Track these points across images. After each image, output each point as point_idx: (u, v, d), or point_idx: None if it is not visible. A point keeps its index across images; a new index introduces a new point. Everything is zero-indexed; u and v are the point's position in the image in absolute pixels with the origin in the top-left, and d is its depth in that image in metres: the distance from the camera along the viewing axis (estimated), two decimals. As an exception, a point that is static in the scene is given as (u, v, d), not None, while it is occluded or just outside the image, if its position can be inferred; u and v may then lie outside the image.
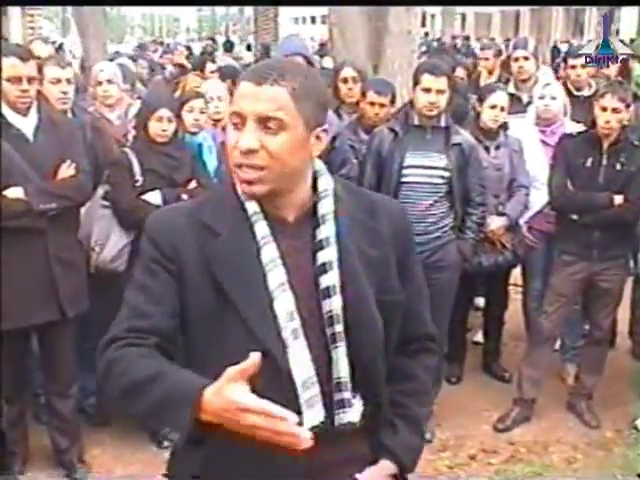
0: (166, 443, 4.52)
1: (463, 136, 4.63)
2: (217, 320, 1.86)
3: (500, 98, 5.08)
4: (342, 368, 1.87)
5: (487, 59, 7.76)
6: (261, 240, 1.86)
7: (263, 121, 1.78)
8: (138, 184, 4.37)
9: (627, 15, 28.91)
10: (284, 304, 1.84)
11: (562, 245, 4.82)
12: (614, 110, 4.49)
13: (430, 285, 4.43)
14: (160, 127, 4.39)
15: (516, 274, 5.77)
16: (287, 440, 1.54)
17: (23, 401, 4.38)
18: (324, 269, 1.87)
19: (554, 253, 4.95)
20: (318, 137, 1.86)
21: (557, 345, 5.44)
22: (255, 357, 1.56)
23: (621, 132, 4.56)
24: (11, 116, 3.94)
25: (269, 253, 1.85)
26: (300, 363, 1.84)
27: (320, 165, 1.96)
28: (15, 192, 3.88)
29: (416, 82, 4.53)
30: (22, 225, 3.92)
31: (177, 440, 1.67)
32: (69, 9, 33.78)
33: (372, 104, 5.20)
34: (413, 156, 4.50)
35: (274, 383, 1.78)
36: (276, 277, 1.84)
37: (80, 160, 4.12)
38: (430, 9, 35.87)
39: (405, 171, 4.50)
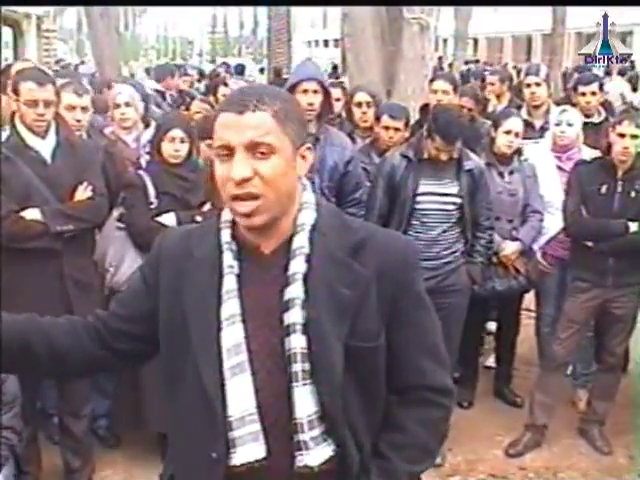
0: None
1: (474, 161, 4.65)
2: (176, 342, 1.89)
3: (515, 124, 5.11)
4: (300, 409, 1.82)
5: (492, 84, 7.78)
6: (224, 269, 1.87)
7: (253, 148, 1.78)
8: (153, 206, 4.40)
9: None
10: (230, 337, 1.83)
11: (576, 272, 4.82)
12: (633, 136, 4.51)
13: (441, 309, 4.48)
14: (173, 148, 4.42)
15: (528, 299, 5.77)
16: None
17: (36, 421, 4.41)
18: (287, 306, 1.83)
19: (568, 279, 4.96)
20: (303, 156, 1.87)
21: (568, 371, 5.42)
22: None
23: (636, 159, 4.58)
24: (29, 138, 4.00)
25: (228, 284, 1.86)
26: (239, 398, 1.82)
27: (307, 197, 1.93)
28: (32, 214, 3.93)
29: (429, 136, 4.53)
30: (39, 246, 3.97)
31: None
32: (84, 31, 34.09)
33: (386, 128, 5.22)
34: (426, 183, 4.52)
35: (206, 415, 1.82)
36: (228, 309, 1.84)
37: (97, 182, 4.17)
38: (442, 33, 36.02)
39: (419, 198, 4.51)
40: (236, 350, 1.82)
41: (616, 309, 4.72)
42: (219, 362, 1.82)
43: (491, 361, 5.96)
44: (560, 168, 5.25)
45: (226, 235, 1.90)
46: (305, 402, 1.82)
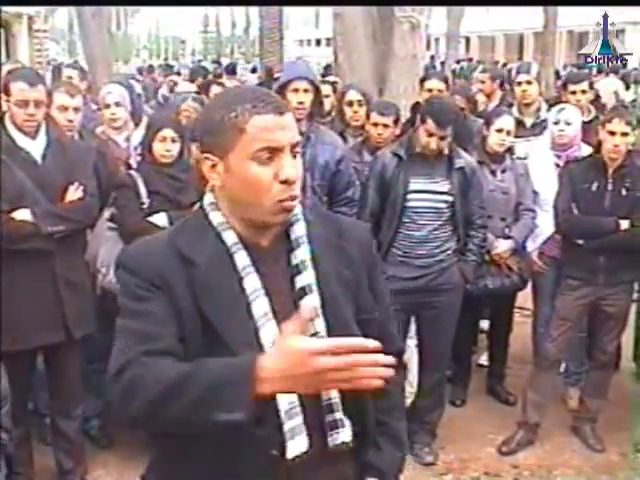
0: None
1: (465, 159, 4.65)
2: (203, 350, 1.80)
3: (507, 122, 5.11)
4: (331, 390, 1.84)
5: (483, 82, 7.78)
6: (242, 270, 1.86)
7: (293, 148, 1.82)
8: (144, 206, 4.39)
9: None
10: (269, 333, 1.83)
11: (568, 269, 4.83)
12: (623, 134, 4.52)
13: (434, 308, 4.52)
14: (164, 147, 4.41)
15: (521, 297, 5.77)
16: (368, 374, 1.54)
17: (28, 422, 4.40)
18: (304, 293, 1.87)
19: (560, 277, 4.96)
20: None
21: (561, 368, 5.43)
22: (309, 306, 1.67)
23: (626, 157, 4.59)
24: (20, 139, 3.99)
25: (252, 283, 1.85)
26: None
27: None
28: (23, 214, 3.91)
29: (422, 120, 4.53)
30: (30, 247, 3.95)
31: (230, 421, 1.59)
32: (76, 30, 34.02)
33: (375, 125, 5.23)
34: (417, 181, 4.52)
35: (261, 415, 1.78)
36: (260, 306, 1.84)
37: (88, 183, 4.16)
38: (434, 32, 36.07)
39: (409, 196, 4.51)
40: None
41: (608, 307, 4.73)
42: None
43: (484, 359, 5.97)
44: (559, 166, 5.21)
45: (232, 237, 1.88)
46: None
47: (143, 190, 4.39)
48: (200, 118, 2.18)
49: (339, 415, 1.87)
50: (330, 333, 1.85)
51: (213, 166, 1.87)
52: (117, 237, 4.44)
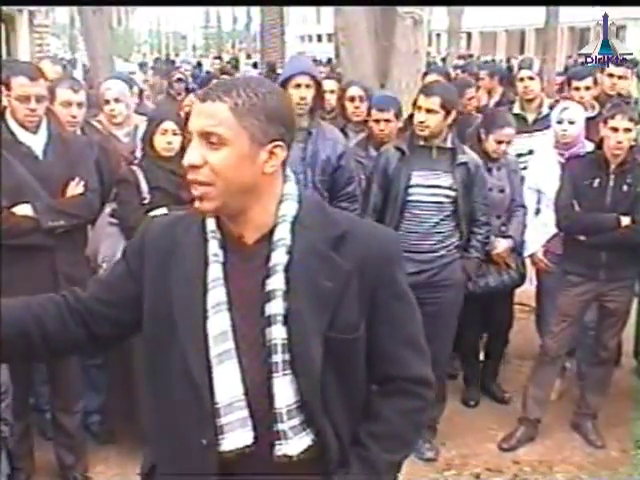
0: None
1: (469, 155, 4.64)
2: (161, 328, 1.90)
3: (508, 135, 5.08)
4: (280, 399, 1.83)
5: (482, 79, 7.77)
6: (210, 258, 1.87)
7: (205, 137, 1.80)
8: (145, 201, 4.39)
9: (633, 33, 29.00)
10: (217, 325, 1.84)
11: (569, 266, 4.83)
12: (626, 130, 4.52)
13: (435, 304, 4.50)
14: (165, 140, 4.39)
15: (522, 294, 5.76)
16: None
17: (29, 417, 4.40)
18: (269, 297, 1.84)
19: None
20: (272, 152, 1.84)
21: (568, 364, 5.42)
22: None
23: (628, 153, 4.58)
24: (21, 134, 3.99)
25: (213, 272, 1.86)
26: (226, 385, 1.83)
27: (289, 189, 1.92)
28: (24, 209, 3.92)
29: (414, 103, 4.57)
30: (30, 242, 3.96)
31: None
32: (77, 25, 33.97)
33: (377, 121, 5.23)
34: (419, 175, 4.52)
35: (194, 402, 1.84)
36: (214, 297, 1.85)
37: (89, 178, 4.16)
38: (436, 28, 36.02)
39: (411, 190, 4.51)
40: (222, 338, 1.83)
41: (609, 303, 4.73)
42: (205, 349, 1.84)
43: (481, 356, 5.95)
44: (563, 165, 5.18)
45: (211, 224, 1.90)
46: (285, 392, 1.83)
47: (144, 185, 4.39)
48: None
49: (284, 427, 1.84)
50: (289, 343, 1.83)
51: None
52: (118, 233, 4.43)
